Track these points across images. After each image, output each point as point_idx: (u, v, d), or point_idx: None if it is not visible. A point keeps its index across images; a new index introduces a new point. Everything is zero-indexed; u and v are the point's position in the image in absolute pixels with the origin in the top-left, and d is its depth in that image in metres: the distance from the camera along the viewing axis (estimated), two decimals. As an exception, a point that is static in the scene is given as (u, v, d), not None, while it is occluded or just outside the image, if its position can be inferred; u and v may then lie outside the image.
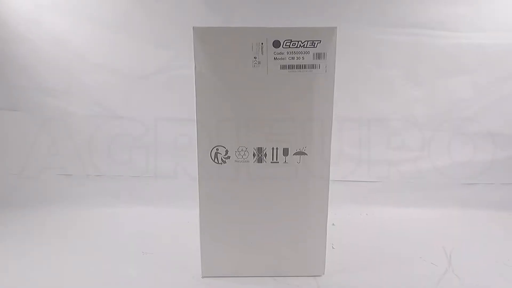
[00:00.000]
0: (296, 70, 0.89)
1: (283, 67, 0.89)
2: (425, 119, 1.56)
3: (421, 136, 1.58)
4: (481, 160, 1.58)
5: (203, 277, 1.01)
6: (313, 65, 0.88)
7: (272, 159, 0.94)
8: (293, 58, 0.88)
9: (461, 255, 1.15)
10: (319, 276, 1.01)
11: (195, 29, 0.87)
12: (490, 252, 1.17)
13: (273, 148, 0.93)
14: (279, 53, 0.88)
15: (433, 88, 1.54)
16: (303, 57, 0.88)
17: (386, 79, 1.54)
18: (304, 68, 0.89)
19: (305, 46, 0.88)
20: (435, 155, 1.58)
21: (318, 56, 0.88)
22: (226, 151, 0.93)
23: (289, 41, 0.87)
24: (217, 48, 0.88)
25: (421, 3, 1.47)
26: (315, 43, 0.87)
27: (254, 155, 0.93)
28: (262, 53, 0.88)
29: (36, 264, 1.09)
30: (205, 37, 0.87)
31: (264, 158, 0.93)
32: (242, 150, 0.93)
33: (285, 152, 0.93)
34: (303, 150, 0.93)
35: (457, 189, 1.59)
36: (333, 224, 1.37)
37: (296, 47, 0.88)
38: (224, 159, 0.93)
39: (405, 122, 1.57)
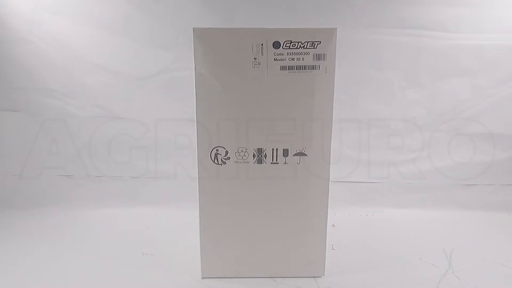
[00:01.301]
0: (296, 71, 0.89)
1: (283, 68, 0.89)
2: (425, 120, 1.56)
3: (421, 137, 1.58)
4: (481, 161, 1.58)
5: (202, 278, 1.01)
6: (313, 66, 0.88)
7: (272, 160, 0.94)
8: (293, 59, 0.88)
9: (461, 256, 1.15)
10: (319, 277, 1.01)
11: (195, 30, 0.87)
12: (490, 253, 1.17)
13: (273, 149, 0.93)
14: (279, 54, 0.88)
15: (432, 89, 1.54)
16: (303, 58, 0.88)
17: (386, 80, 1.54)
18: (304, 69, 0.89)
19: (305, 47, 0.88)
20: (435, 156, 1.59)
21: (318, 57, 0.88)
22: (226, 152, 0.93)
23: (289, 42, 0.87)
24: (217, 49, 0.88)
25: (421, 5, 1.48)
26: (315, 44, 0.87)
27: (254, 156, 0.93)
28: (262, 54, 0.88)
29: (36, 265, 1.09)
30: (205, 38, 0.87)
31: (264, 159, 0.93)
32: (242, 151, 0.93)
33: (285, 153, 0.93)
34: (303, 151, 0.93)
35: (457, 190, 1.59)
36: (333, 225, 1.37)
37: (296, 48, 0.88)
38: (224, 160, 0.93)
39: (405, 123, 1.57)
